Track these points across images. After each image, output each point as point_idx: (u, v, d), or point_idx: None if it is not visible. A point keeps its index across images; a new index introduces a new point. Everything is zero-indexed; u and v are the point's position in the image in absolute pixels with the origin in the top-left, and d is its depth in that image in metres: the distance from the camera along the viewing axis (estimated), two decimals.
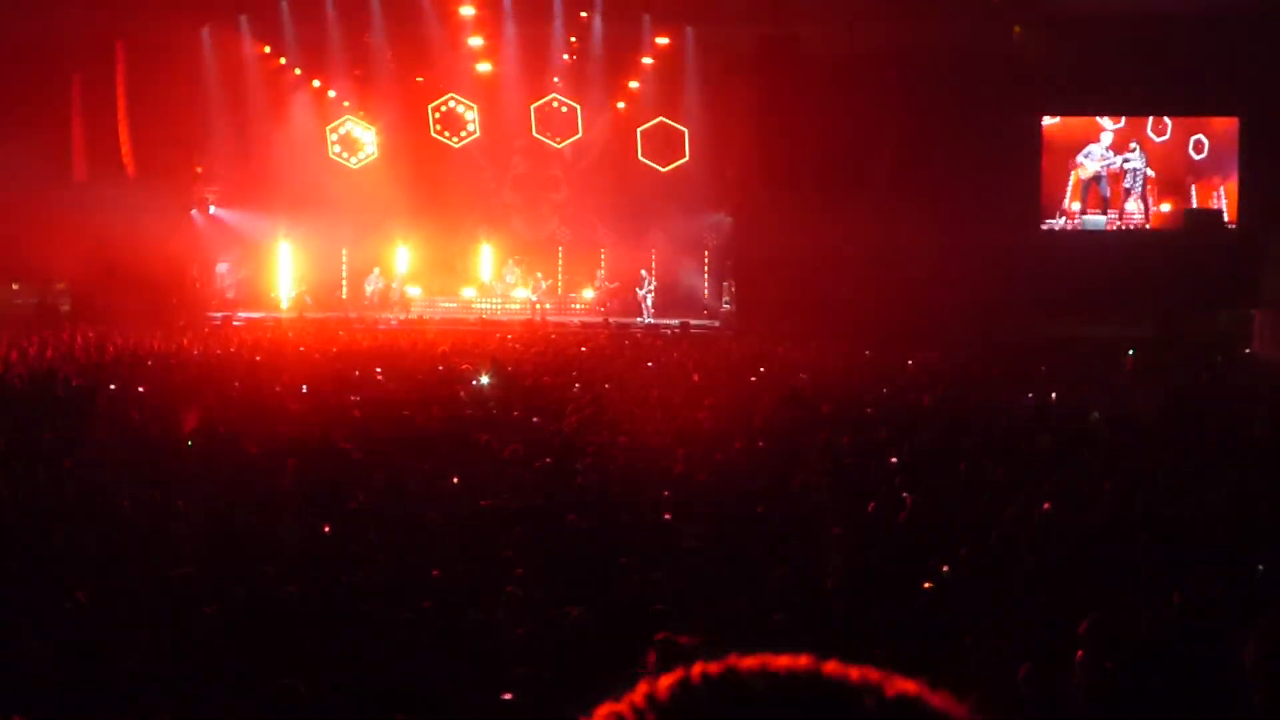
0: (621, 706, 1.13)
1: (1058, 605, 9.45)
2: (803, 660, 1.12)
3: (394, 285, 40.60)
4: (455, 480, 14.85)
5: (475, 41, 38.71)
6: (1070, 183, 39.22)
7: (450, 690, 8.39)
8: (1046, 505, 13.22)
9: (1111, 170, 39.13)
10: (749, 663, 1.12)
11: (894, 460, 16.24)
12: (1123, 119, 38.90)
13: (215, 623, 9.37)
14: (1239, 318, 36.41)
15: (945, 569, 10.96)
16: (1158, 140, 38.98)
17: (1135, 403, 21.50)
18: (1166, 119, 38.67)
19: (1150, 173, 38.94)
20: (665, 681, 1.14)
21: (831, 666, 1.11)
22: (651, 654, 7.08)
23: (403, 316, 38.85)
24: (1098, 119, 38.95)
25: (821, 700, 1.08)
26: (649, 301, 39.04)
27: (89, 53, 37.19)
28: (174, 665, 8.62)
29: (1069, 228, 39.14)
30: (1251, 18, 35.13)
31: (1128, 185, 39.08)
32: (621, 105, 39.90)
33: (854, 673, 1.11)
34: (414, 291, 41.01)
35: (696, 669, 1.13)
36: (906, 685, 1.10)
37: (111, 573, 10.78)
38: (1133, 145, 38.88)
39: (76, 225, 34.80)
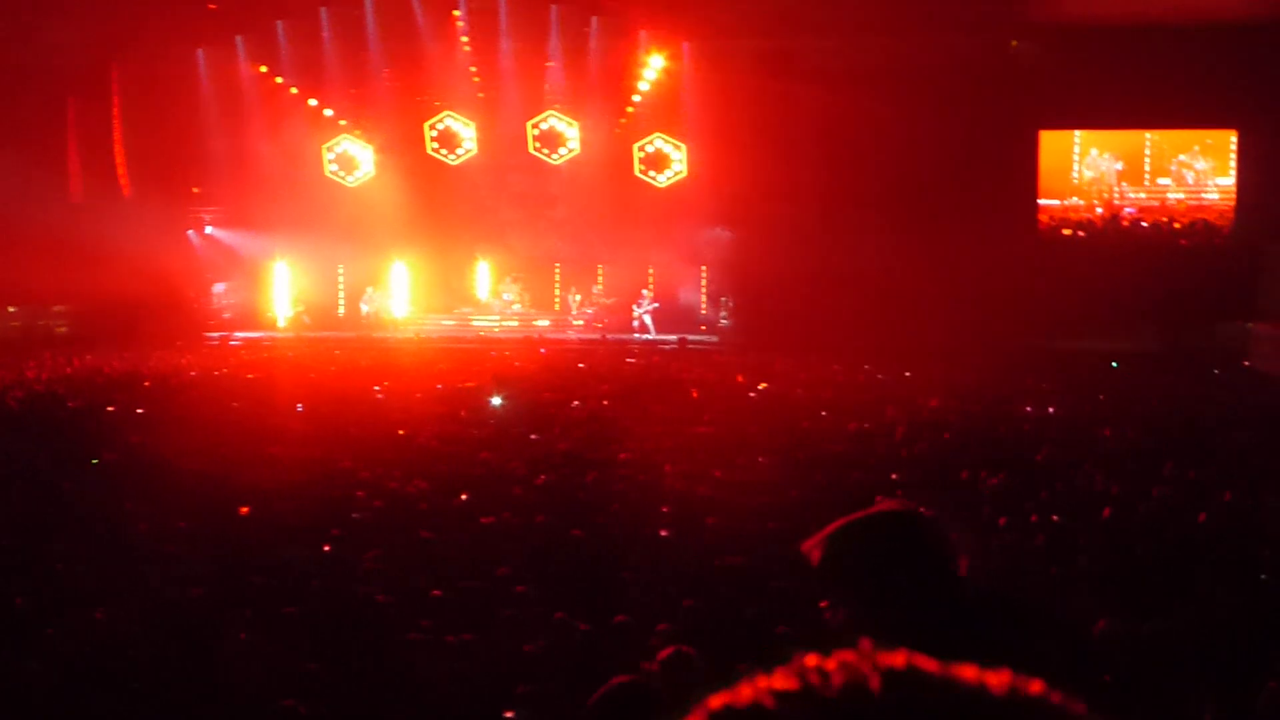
0: (789, 680, 1.13)
1: (1065, 619, 9.40)
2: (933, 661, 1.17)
3: (390, 303, 40.53)
4: (458, 498, 14.80)
5: (471, 59, 38.73)
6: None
7: (453, 709, 8.33)
8: (1055, 517, 13.19)
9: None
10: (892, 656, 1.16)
11: (894, 476, 16.19)
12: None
13: (218, 644, 9.32)
14: (1236, 331, 36.33)
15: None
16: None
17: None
18: None
19: (1119, 166, 38.91)
20: (828, 660, 1.15)
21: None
22: (656, 667, 7.03)
23: (401, 335, 38.79)
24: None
25: (960, 685, 1.13)
26: (648, 320, 38.92)
27: (85, 74, 37.16)
28: (177, 688, 8.56)
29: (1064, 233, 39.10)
30: (1248, 27, 35.08)
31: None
32: (621, 121, 39.83)
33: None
34: (412, 309, 40.98)
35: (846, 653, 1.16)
36: (1036, 683, 1.15)
37: (111, 596, 10.72)
38: (1105, 154, 38.93)
39: (73, 247, 34.74)
